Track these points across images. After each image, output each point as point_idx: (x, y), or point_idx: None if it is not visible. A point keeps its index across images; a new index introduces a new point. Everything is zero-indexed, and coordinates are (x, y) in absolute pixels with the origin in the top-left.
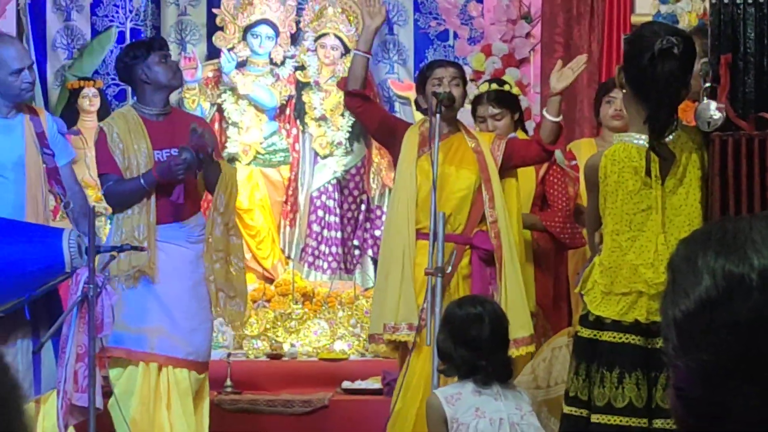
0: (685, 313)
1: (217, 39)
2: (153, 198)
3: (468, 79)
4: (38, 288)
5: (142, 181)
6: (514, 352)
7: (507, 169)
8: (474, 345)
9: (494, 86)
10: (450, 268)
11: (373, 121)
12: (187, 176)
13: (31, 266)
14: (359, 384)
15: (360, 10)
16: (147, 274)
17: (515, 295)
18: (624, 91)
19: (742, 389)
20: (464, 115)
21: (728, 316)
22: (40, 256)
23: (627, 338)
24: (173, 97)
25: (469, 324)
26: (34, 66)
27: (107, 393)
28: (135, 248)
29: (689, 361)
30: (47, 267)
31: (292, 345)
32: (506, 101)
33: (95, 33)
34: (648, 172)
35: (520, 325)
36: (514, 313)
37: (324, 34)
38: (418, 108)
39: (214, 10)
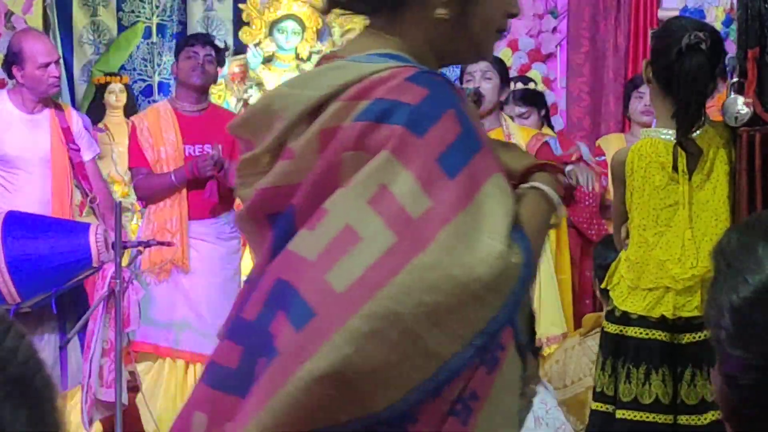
0: (745, 300)
1: (244, 34)
2: (185, 192)
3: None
4: (65, 282)
5: (173, 176)
6: (546, 349)
7: None
8: None
9: (519, 85)
10: None
11: None
12: (219, 175)
13: (58, 261)
14: None
15: None
16: (179, 266)
17: (548, 293)
18: (651, 85)
19: None
20: None
21: None
22: (67, 251)
23: (653, 334)
24: None
25: None
26: (61, 61)
27: (132, 388)
28: (161, 243)
29: (746, 348)
30: (74, 262)
31: None
32: (532, 99)
33: (122, 28)
34: (675, 168)
35: (552, 323)
36: (547, 311)
37: (350, 30)
38: None
39: (241, 6)
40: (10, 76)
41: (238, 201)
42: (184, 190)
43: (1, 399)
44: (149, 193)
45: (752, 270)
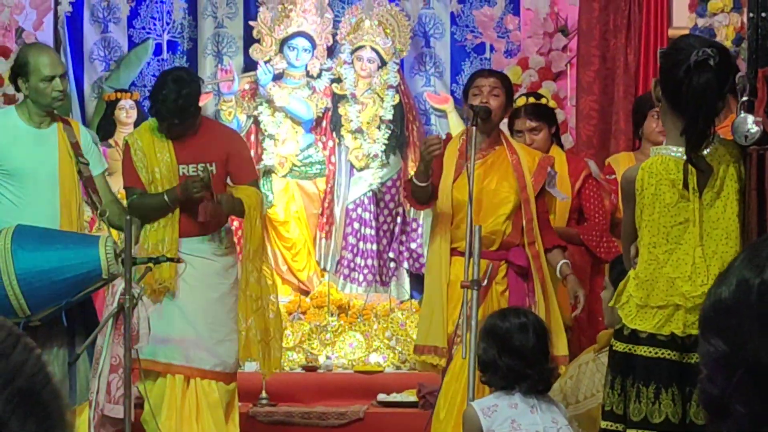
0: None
1: (254, 51)
2: (178, 212)
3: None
4: (75, 295)
5: (165, 197)
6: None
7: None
8: (520, 354)
9: (531, 99)
10: (486, 282)
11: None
12: (208, 195)
13: (68, 273)
14: (395, 397)
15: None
16: (168, 288)
17: (554, 316)
18: (660, 103)
19: None
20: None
21: None
22: (77, 264)
23: (663, 353)
24: (209, 110)
25: (514, 334)
26: (68, 76)
27: (137, 405)
28: (170, 260)
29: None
30: (84, 273)
31: (328, 357)
32: (543, 115)
33: (132, 45)
34: (686, 185)
35: (559, 344)
36: (553, 332)
37: (360, 47)
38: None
39: (251, 23)
40: (17, 88)
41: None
42: (178, 212)
43: (10, 411)
44: (143, 213)
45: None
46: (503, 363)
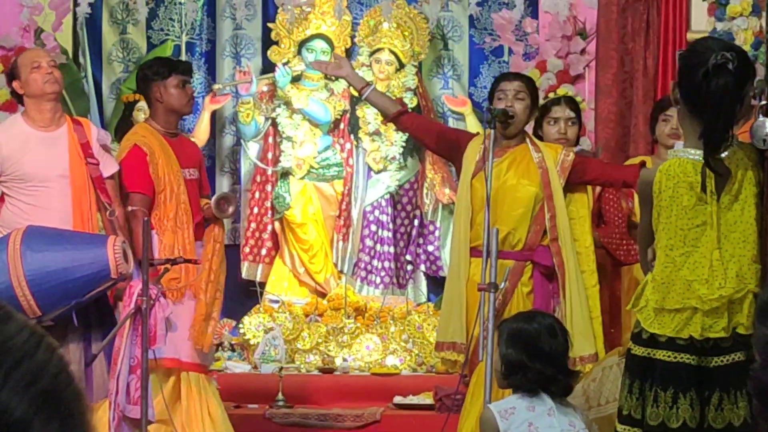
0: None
1: (272, 53)
2: (191, 216)
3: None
4: (85, 295)
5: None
6: (581, 369)
7: (576, 184)
8: (550, 358)
9: (570, 93)
10: (504, 284)
11: (429, 137)
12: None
13: (77, 273)
14: (411, 399)
15: (325, 71)
16: (192, 288)
17: (578, 313)
18: (679, 106)
19: None
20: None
21: None
22: (86, 264)
23: (681, 357)
24: (227, 111)
25: (542, 337)
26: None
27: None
28: (188, 261)
29: None
30: (93, 274)
31: (344, 359)
32: (579, 111)
33: (151, 46)
34: (703, 188)
35: (587, 343)
36: (580, 331)
37: (379, 49)
38: None
39: (270, 25)
40: (15, 95)
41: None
42: (191, 214)
43: (33, 412)
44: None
45: None
46: (533, 367)
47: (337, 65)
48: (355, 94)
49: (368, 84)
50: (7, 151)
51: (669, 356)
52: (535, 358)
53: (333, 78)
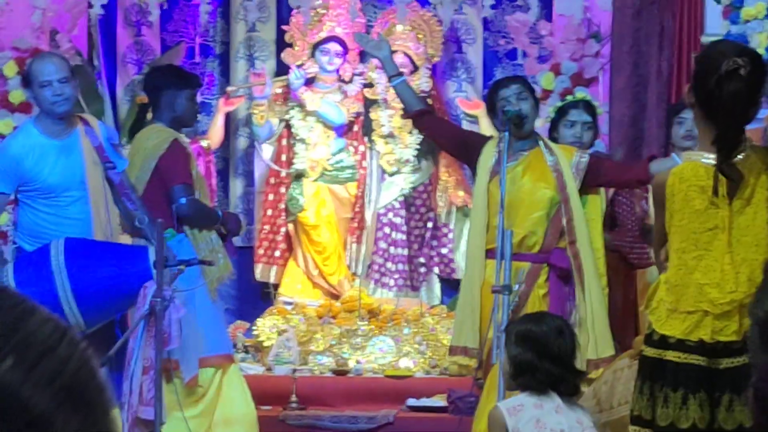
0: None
1: (286, 55)
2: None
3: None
4: (128, 308)
5: (219, 212)
6: (597, 372)
7: (591, 186)
8: (559, 358)
9: (588, 98)
10: (518, 286)
11: (444, 138)
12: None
13: (124, 290)
14: (424, 401)
15: (365, 47)
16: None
17: (599, 315)
18: (694, 110)
19: None
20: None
21: None
22: (131, 280)
23: (691, 358)
24: (241, 113)
25: (552, 338)
26: (72, 80)
27: None
28: (202, 262)
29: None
30: (138, 288)
31: (358, 361)
32: (595, 116)
33: (165, 48)
34: (716, 192)
35: (607, 345)
36: (599, 333)
37: (393, 52)
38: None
39: (284, 27)
40: (34, 99)
41: None
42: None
43: (54, 407)
44: (200, 216)
45: None
46: (543, 367)
47: (378, 45)
48: (370, 96)
49: (400, 73)
50: (29, 165)
51: (679, 357)
52: (544, 358)
53: (347, 80)
